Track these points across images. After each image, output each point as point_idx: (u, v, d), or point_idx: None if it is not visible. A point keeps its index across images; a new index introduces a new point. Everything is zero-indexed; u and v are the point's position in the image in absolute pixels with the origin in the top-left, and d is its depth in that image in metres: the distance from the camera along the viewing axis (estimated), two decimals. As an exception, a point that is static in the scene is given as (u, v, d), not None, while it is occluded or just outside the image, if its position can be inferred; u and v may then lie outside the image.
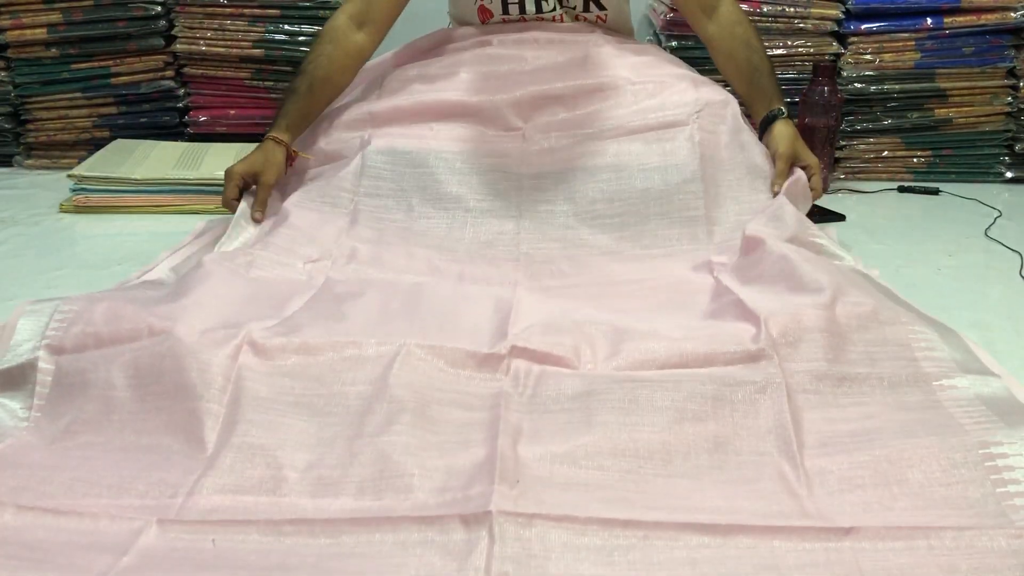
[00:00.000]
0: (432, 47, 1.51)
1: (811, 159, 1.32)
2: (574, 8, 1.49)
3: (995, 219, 1.56)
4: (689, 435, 0.79)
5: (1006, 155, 1.82)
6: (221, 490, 0.74)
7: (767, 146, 1.33)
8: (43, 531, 0.67)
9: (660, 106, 1.33)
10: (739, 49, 1.38)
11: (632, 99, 1.34)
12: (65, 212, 1.57)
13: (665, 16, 1.81)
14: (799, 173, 1.30)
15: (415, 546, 0.64)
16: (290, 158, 1.35)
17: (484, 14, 1.49)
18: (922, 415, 0.82)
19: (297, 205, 1.27)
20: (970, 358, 0.91)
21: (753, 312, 0.94)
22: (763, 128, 1.35)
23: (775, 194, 1.26)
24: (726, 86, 1.44)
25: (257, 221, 1.27)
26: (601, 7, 1.48)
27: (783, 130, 1.31)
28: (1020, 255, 1.38)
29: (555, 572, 0.62)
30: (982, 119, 1.79)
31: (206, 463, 0.77)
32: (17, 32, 1.79)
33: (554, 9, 1.47)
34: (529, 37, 1.44)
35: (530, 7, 1.47)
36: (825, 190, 1.72)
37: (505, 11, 1.48)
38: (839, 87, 1.74)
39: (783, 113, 1.34)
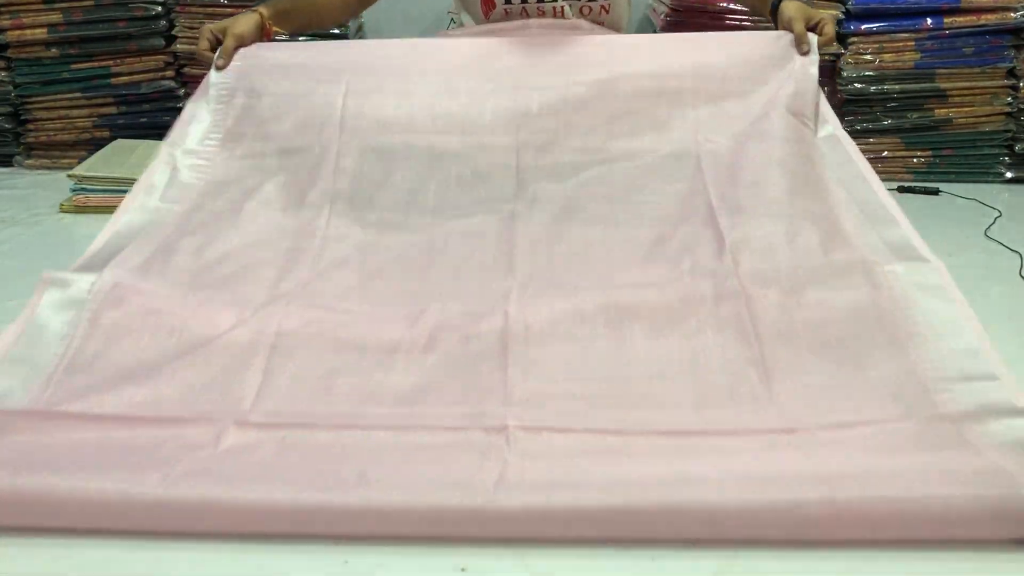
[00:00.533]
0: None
1: (822, 13, 1.35)
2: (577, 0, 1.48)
3: (995, 219, 1.56)
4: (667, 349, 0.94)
5: (1006, 155, 1.83)
6: (283, 400, 0.87)
7: (780, 25, 1.36)
8: (130, 436, 0.79)
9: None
10: None
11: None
12: (65, 212, 1.57)
13: (665, 16, 1.82)
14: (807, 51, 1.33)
15: (444, 446, 0.79)
16: (266, 30, 1.37)
17: (487, 5, 1.49)
18: (869, 310, 0.94)
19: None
20: (906, 247, 1.04)
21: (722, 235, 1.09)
22: (774, 17, 1.39)
23: (804, 52, 1.30)
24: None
25: (219, 68, 1.31)
26: None
27: (788, 3, 1.37)
28: (1020, 255, 1.38)
29: (561, 463, 0.76)
30: (982, 119, 1.80)
31: (262, 382, 0.89)
32: (17, 32, 1.79)
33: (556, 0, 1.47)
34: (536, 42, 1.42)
35: None
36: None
37: (507, 1, 1.48)
38: (839, 87, 1.74)
39: None
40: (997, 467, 0.69)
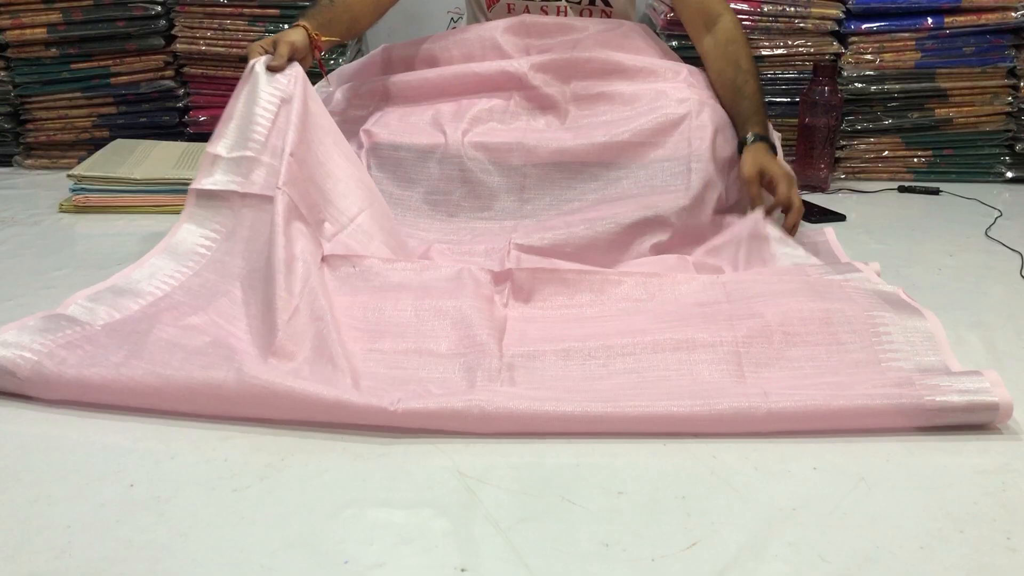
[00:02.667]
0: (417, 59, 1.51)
1: (775, 170, 1.29)
2: (579, 3, 1.48)
3: (995, 219, 1.56)
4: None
5: (1006, 155, 1.82)
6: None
7: (740, 172, 1.32)
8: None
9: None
10: (728, 69, 1.38)
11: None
12: (65, 212, 1.57)
13: (665, 16, 1.81)
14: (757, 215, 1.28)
15: (448, 358, 0.98)
16: (314, 42, 1.30)
17: (490, 0, 1.50)
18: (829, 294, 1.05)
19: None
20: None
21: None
22: (739, 152, 1.35)
23: (767, 212, 1.27)
24: None
25: (273, 69, 1.22)
26: (607, 3, 1.48)
27: (746, 156, 1.32)
28: (1020, 255, 1.38)
29: (551, 372, 0.96)
30: (982, 119, 1.80)
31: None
32: (17, 32, 1.79)
33: None
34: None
35: None
36: (825, 190, 1.72)
37: None
38: (839, 87, 1.74)
39: (750, 140, 1.33)
40: (907, 379, 0.90)
